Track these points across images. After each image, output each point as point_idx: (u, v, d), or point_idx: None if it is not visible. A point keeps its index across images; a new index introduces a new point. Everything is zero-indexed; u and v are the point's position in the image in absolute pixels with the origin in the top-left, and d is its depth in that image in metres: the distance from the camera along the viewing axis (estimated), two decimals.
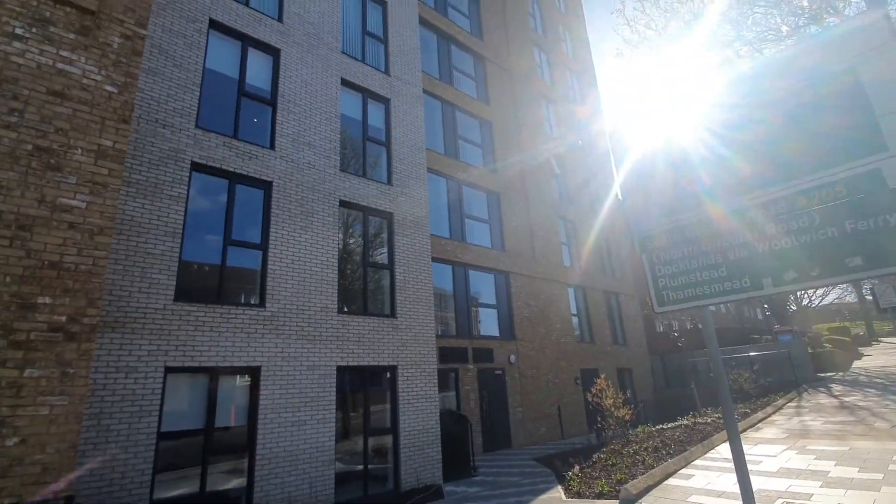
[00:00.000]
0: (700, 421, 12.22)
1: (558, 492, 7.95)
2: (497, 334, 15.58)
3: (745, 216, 4.20)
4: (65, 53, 4.55)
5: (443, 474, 9.42)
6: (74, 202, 4.26)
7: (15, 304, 3.78)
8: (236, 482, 7.20)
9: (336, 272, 9.04)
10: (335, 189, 9.58)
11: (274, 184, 8.68)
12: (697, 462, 8.26)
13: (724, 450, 8.89)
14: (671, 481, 7.20)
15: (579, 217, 21.07)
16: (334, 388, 8.37)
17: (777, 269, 3.93)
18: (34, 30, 4.45)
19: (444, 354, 13.21)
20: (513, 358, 15.31)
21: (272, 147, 8.92)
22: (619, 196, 5.31)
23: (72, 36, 4.64)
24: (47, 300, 3.92)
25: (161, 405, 6.62)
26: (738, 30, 11.18)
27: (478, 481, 9.57)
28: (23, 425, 3.63)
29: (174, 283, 7.10)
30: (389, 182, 10.79)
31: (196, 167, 7.89)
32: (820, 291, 32.60)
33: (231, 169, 8.22)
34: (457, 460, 10.04)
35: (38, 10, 4.53)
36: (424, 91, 15.34)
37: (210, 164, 8.00)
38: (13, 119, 4.14)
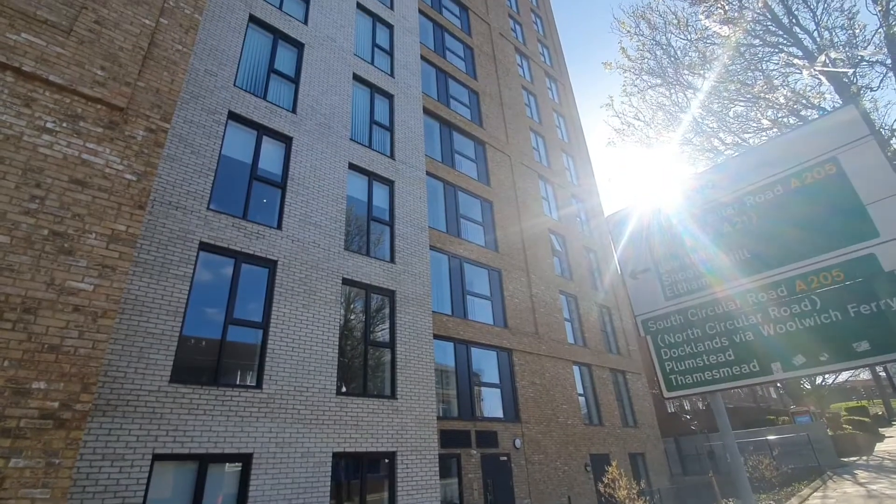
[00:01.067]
0: None
1: None
2: (501, 415, 14.93)
3: (748, 298, 4.23)
4: (91, 146, 4.85)
5: None
6: (82, 285, 4.31)
7: (9, 390, 3.70)
8: None
9: (336, 351, 8.88)
10: (339, 267, 9.70)
11: (279, 262, 8.81)
12: None
13: None
14: None
15: (581, 293, 21.06)
16: (329, 477, 7.88)
17: (786, 353, 3.87)
18: (65, 124, 4.78)
19: (446, 438, 12.57)
20: (518, 442, 14.54)
21: (279, 227, 9.17)
22: (620, 273, 5.36)
23: (99, 130, 4.97)
24: (42, 385, 3.84)
25: (145, 496, 6.21)
26: (721, 122, 11.95)
27: None
28: None
29: (171, 363, 6.97)
30: (392, 260, 10.94)
31: (204, 247, 8.06)
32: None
33: (238, 248, 8.40)
34: None
35: (71, 107, 4.90)
36: (428, 173, 16.05)
37: (218, 244, 8.19)
38: (33, 206, 4.32)
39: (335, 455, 8.17)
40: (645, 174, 20.08)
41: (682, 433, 23.42)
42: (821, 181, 3.90)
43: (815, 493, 12.96)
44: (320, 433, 8.07)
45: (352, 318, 9.93)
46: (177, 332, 7.17)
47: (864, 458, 19.05)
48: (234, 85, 9.70)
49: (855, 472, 15.99)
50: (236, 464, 7.23)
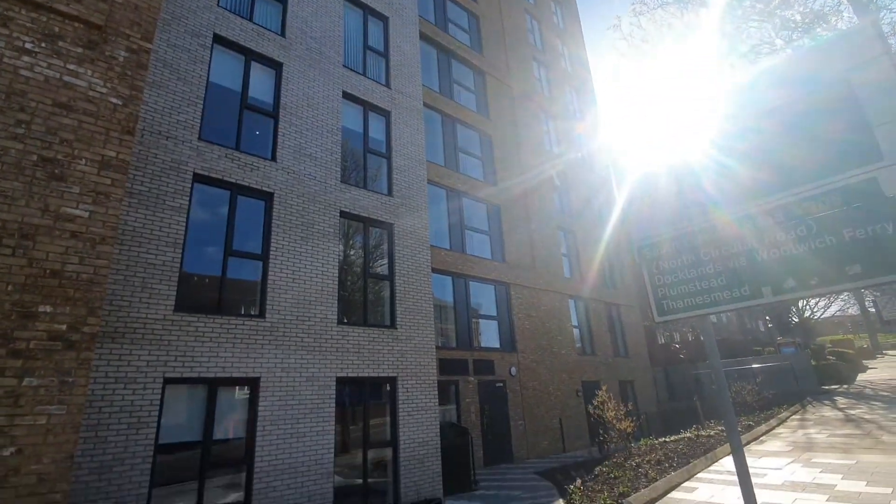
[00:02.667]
0: (703, 434, 12.09)
1: None
2: (498, 346, 15.51)
3: (746, 225, 4.24)
4: (72, 67, 4.63)
5: (443, 488, 9.30)
6: (77, 212, 4.29)
7: (16, 313, 3.79)
8: (234, 496, 7.11)
9: (336, 283, 9.04)
10: (336, 200, 9.63)
11: (275, 195, 8.73)
12: (701, 475, 8.16)
13: (728, 463, 8.79)
14: (674, 494, 7.10)
15: (580, 229, 21.11)
16: (334, 400, 8.32)
17: (776, 277, 3.95)
18: (43, 44, 4.53)
19: (445, 366, 13.14)
20: (513, 370, 15.22)
21: (274, 159, 9.00)
22: (621, 207, 5.36)
23: (79, 50, 4.72)
24: (48, 309, 3.93)
25: (159, 417, 6.58)
26: (732, 43, 11.35)
27: (478, 495, 9.45)
28: (20, 435, 3.61)
29: (174, 293, 7.11)
30: (390, 193, 10.85)
31: (198, 178, 7.95)
32: (822, 303, 32.48)
33: (232, 180, 8.28)
34: (457, 474, 9.92)
35: (48, 26, 4.62)
36: (425, 104, 15.50)
37: (212, 175, 8.06)
38: (20, 130, 4.20)
39: (338, 380, 8.56)
40: (650, 104, 19.41)
41: (671, 363, 24.49)
42: (831, 102, 3.78)
43: (794, 416, 13.77)
44: (324, 359, 8.40)
45: (351, 252, 10.01)
46: (177, 264, 7.25)
47: (846, 386, 20.05)
48: (219, 6, 9.10)
49: (835, 398, 16.90)
50: (245, 389, 7.60)
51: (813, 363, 21.12)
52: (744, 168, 4.23)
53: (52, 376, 3.83)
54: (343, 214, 9.76)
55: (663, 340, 26.85)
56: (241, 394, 7.63)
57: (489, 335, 15.57)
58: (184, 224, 7.49)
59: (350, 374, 8.74)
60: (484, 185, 17.14)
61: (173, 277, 7.16)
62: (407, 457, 8.99)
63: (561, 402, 16.49)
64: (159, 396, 6.61)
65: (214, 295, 7.69)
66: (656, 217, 4.88)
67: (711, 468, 8.63)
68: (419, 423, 9.42)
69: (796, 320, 31.70)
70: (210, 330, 7.29)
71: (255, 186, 8.54)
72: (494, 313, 15.89)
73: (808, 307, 31.61)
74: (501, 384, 14.84)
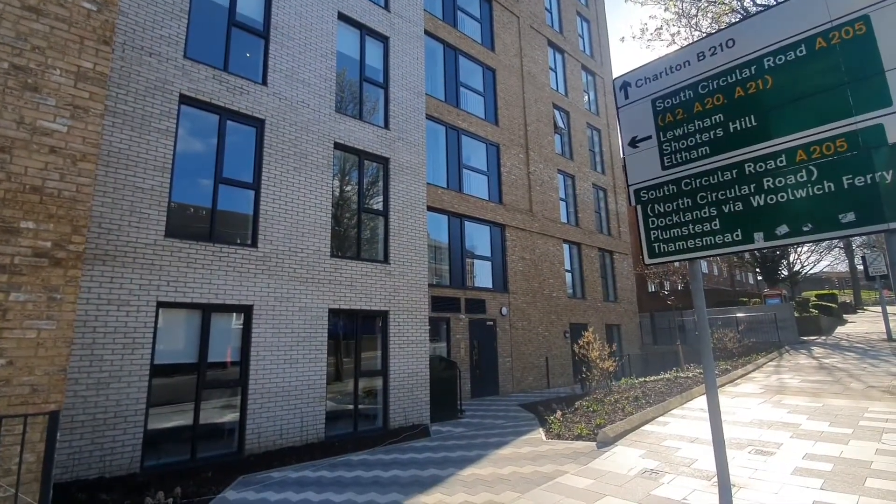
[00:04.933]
0: (681, 375, 12.60)
1: (539, 433, 8.29)
2: (490, 286, 15.75)
3: (745, 168, 4.14)
4: None
5: (430, 415, 9.78)
6: (55, 125, 4.11)
7: None
8: (230, 416, 7.45)
9: (329, 215, 8.96)
10: (330, 130, 9.32)
11: (266, 122, 8.42)
12: (675, 411, 8.57)
13: (701, 402, 9.21)
14: (648, 427, 7.49)
15: (580, 173, 20.80)
16: (326, 330, 8.52)
17: (771, 223, 3.91)
18: None
19: (437, 304, 13.40)
20: (504, 310, 15.56)
21: (264, 83, 8.59)
22: (620, 145, 5.18)
23: None
24: (30, 225, 3.87)
25: (154, 339, 6.72)
26: None
27: (464, 423, 9.96)
28: (9, 347, 3.67)
29: (164, 218, 7.03)
30: (386, 126, 10.50)
31: (184, 100, 7.61)
32: (812, 258, 32.87)
33: (221, 104, 7.95)
34: (444, 403, 10.40)
35: None
36: (426, 32, 14.67)
37: (199, 97, 7.72)
38: None
39: (331, 311, 8.72)
40: (661, 36, 18.50)
41: (658, 309, 25.10)
42: (847, 42, 3.57)
43: (770, 363, 14.32)
44: (316, 290, 8.50)
45: (346, 185, 9.84)
46: (167, 189, 7.11)
47: (824, 338, 20.71)
48: None
49: (812, 348, 17.51)
50: (238, 315, 7.73)
51: (796, 315, 21.70)
52: (750, 109, 4.06)
53: (39, 292, 3.84)
54: (337, 146, 9.50)
55: (653, 289, 27.35)
56: (235, 319, 7.78)
57: (482, 275, 15.75)
58: (171, 148, 7.27)
59: (343, 307, 8.89)
60: (484, 123, 16.63)
61: (163, 203, 7.04)
62: (396, 386, 9.36)
63: (548, 342, 17.03)
64: (153, 319, 6.72)
65: (206, 222, 7.62)
66: (654, 160, 4.76)
67: (685, 405, 9.06)
68: (409, 355, 9.72)
69: (786, 273, 32.18)
70: (202, 257, 7.29)
71: (245, 112, 8.22)
72: (489, 254, 15.99)
73: (798, 261, 32.00)
74: (492, 323, 15.23)
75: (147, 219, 6.85)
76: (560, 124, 20.24)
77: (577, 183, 20.53)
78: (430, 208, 13.33)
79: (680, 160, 4.62)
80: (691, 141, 4.56)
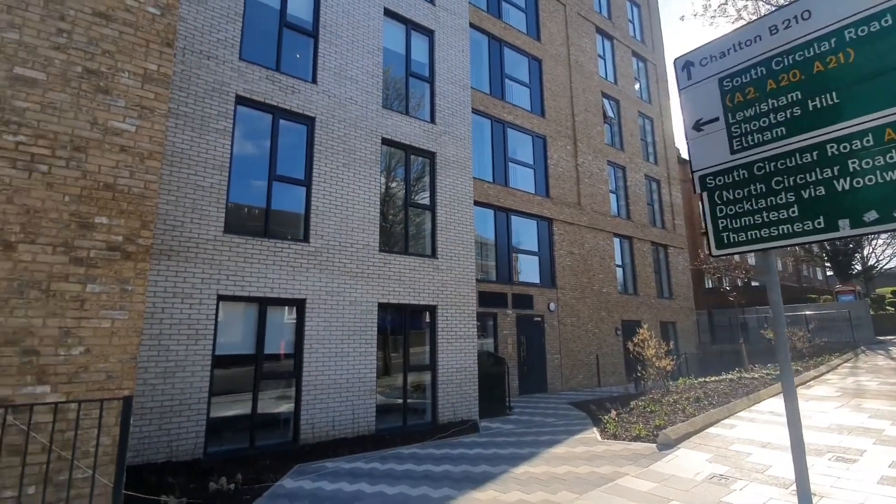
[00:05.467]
0: (746, 376, 11.85)
1: (593, 433, 8.01)
2: (537, 281, 15.44)
3: (827, 149, 3.75)
4: None
5: (479, 411, 9.69)
6: (124, 125, 4.32)
7: (74, 223, 3.95)
8: (285, 406, 7.67)
9: (377, 210, 9.03)
10: (377, 126, 9.39)
11: (317, 119, 8.58)
12: (742, 414, 8.05)
13: (771, 404, 8.61)
14: (712, 430, 7.07)
15: (631, 164, 19.99)
16: (375, 324, 8.60)
17: (857, 209, 3.52)
18: None
19: (484, 299, 13.27)
20: (552, 306, 15.21)
21: (314, 81, 8.75)
22: (683, 134, 4.86)
23: None
24: (104, 220, 4.08)
25: (215, 331, 7.01)
26: None
27: (512, 419, 9.80)
28: (87, 336, 3.89)
29: (223, 215, 7.30)
30: (432, 120, 10.46)
31: (240, 100, 7.87)
32: (889, 251, 30.11)
33: (274, 103, 8.16)
34: (493, 399, 10.27)
35: None
36: (471, 25, 14.51)
37: (254, 97, 7.96)
38: (62, 40, 4.16)
39: (380, 305, 8.79)
40: (726, 12, 17.43)
41: (716, 306, 23.78)
42: None
43: (845, 364, 13.22)
44: (366, 285, 8.60)
45: (392, 180, 9.89)
46: (225, 186, 7.39)
47: None
48: None
49: (890, 348, 16.04)
50: (292, 309, 7.93)
51: (871, 313, 19.94)
52: (829, 85, 3.67)
53: (112, 284, 4.04)
54: (385, 141, 9.55)
55: (711, 285, 25.96)
56: (289, 312, 7.99)
57: (529, 270, 15.47)
58: (229, 147, 7.54)
59: (391, 301, 8.94)
60: (530, 115, 16.29)
61: (221, 200, 7.32)
62: (445, 381, 9.33)
63: (598, 339, 16.51)
64: (214, 312, 7.01)
65: (261, 218, 7.87)
66: (722, 144, 4.42)
67: (753, 408, 8.49)
68: (457, 350, 9.66)
69: (859, 268, 29.71)
70: (258, 252, 7.52)
71: (296, 110, 8.41)
72: (535, 249, 15.67)
73: (872, 255, 29.45)
74: (539, 318, 14.93)
75: (207, 216, 7.14)
76: (609, 114, 19.53)
77: (629, 174, 19.75)
78: (475, 203, 13.20)
79: (752, 142, 4.26)
80: (764, 121, 4.19)
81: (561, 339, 15.27)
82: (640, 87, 22.11)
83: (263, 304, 7.56)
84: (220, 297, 7.14)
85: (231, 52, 7.83)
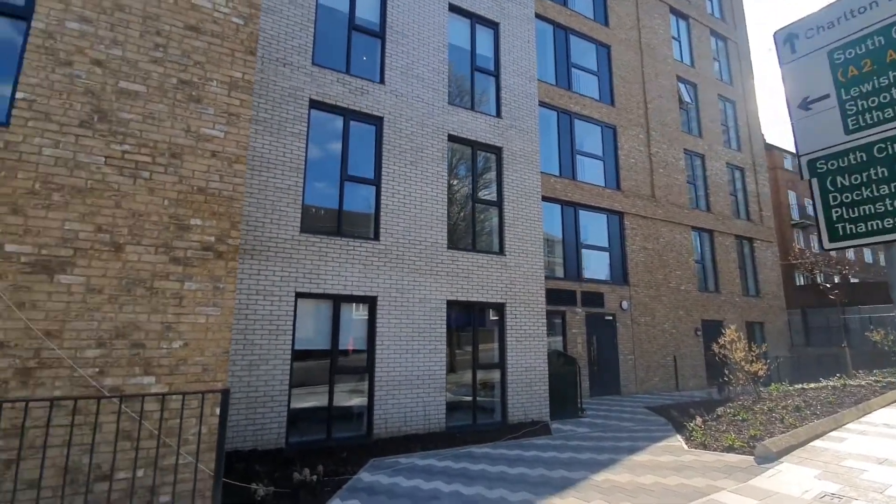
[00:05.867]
0: (851, 383, 10.62)
1: (678, 441, 7.49)
2: (608, 279, 14.78)
3: None
4: None
5: (549, 412, 9.41)
6: (214, 132, 4.55)
7: (173, 225, 4.21)
8: (358, 400, 7.86)
9: (445, 207, 9.01)
10: (444, 123, 9.35)
11: (384, 119, 8.69)
12: (850, 426, 7.20)
13: (884, 415, 7.63)
14: (818, 443, 6.35)
15: (710, 152, 18.59)
16: (445, 321, 8.58)
17: None
18: None
19: (551, 297, 12.87)
20: (625, 304, 14.49)
21: (382, 81, 8.87)
22: (788, 112, 4.37)
23: None
24: (198, 222, 4.32)
25: (294, 326, 7.30)
26: None
27: (585, 422, 9.42)
28: (185, 330, 4.14)
29: (299, 215, 7.59)
30: (498, 115, 10.27)
31: (313, 104, 8.14)
32: None
33: (345, 105, 8.36)
34: (564, 400, 9.93)
35: None
36: (535, 14, 14.10)
37: (326, 100, 8.20)
38: (159, 54, 4.44)
39: (449, 303, 8.77)
40: None
41: (811, 305, 21.58)
42: None
43: None
44: (434, 282, 8.60)
45: (459, 176, 9.84)
46: (301, 188, 7.68)
47: None
48: None
49: None
50: (364, 306, 8.10)
51: None
52: None
53: (206, 282, 4.28)
54: (451, 138, 9.50)
55: (803, 282, 23.63)
56: (361, 311, 8.17)
57: (599, 267, 14.84)
58: (303, 150, 7.82)
59: (460, 298, 8.89)
60: (599, 105, 15.59)
61: (298, 200, 7.61)
62: (514, 380, 9.14)
63: (676, 340, 15.52)
64: (292, 308, 7.30)
65: (334, 218, 8.10)
66: (834, 123, 3.89)
67: (863, 419, 7.58)
68: (527, 348, 9.44)
69: None
70: (332, 251, 7.75)
71: (365, 111, 8.56)
72: (606, 244, 15.00)
73: None
74: (611, 317, 14.28)
75: (285, 216, 7.45)
76: (686, 99, 18.27)
77: (708, 163, 18.38)
78: (543, 198, 12.84)
79: (871, 121, 3.71)
80: (885, 97, 3.64)
81: (634, 340, 14.52)
82: (720, 68, 20.49)
83: (337, 302, 7.78)
84: (298, 295, 7.43)
85: (304, 58, 8.11)
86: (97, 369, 3.77)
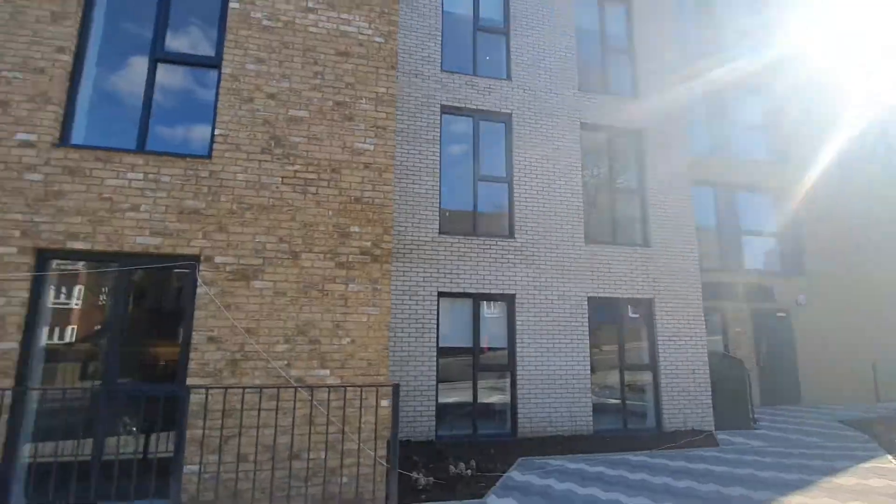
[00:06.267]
0: None
1: (891, 462, 6.11)
2: (778, 269, 12.71)
3: None
4: (344, 16, 5.17)
5: (714, 422, 8.39)
6: (365, 145, 4.93)
7: (336, 233, 4.66)
8: (500, 398, 7.89)
9: (581, 200, 8.60)
10: (575, 112, 8.94)
11: (513, 115, 8.61)
12: None
13: None
14: None
15: None
16: (586, 319, 8.19)
17: None
18: (321, 1, 5.16)
19: (708, 291, 11.47)
20: (802, 298, 12.32)
21: (509, 77, 8.80)
22: None
23: None
24: (356, 229, 4.72)
25: (437, 324, 7.61)
26: None
27: (759, 435, 8.19)
28: (351, 328, 4.54)
29: (437, 217, 7.89)
30: (634, 94, 9.50)
31: (444, 109, 8.40)
32: None
33: (474, 106, 8.48)
34: (731, 408, 8.76)
35: None
36: None
37: (455, 104, 8.41)
38: (317, 81, 4.96)
39: (590, 299, 8.34)
40: None
41: None
42: None
43: None
44: (574, 278, 8.26)
45: (595, 165, 9.32)
46: (437, 191, 7.98)
47: None
48: None
49: None
50: (503, 302, 8.11)
51: None
52: None
53: (366, 283, 4.64)
54: (584, 126, 9.04)
55: None
56: (498, 309, 8.19)
57: (764, 256, 12.84)
58: (438, 154, 8.12)
59: (601, 294, 8.41)
60: (753, 65, 13.49)
61: (435, 204, 7.92)
62: (669, 383, 8.35)
63: (874, 341, 12.72)
64: (435, 307, 7.62)
65: (469, 218, 8.26)
66: None
67: None
68: (681, 349, 8.55)
69: None
70: (469, 250, 7.91)
71: (493, 109, 8.59)
72: (774, 229, 12.93)
73: None
74: (784, 314, 12.26)
75: (425, 219, 7.81)
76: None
77: None
78: (692, 182, 11.54)
79: None
80: None
81: (816, 340, 12.25)
82: None
83: (477, 300, 7.91)
84: (440, 294, 7.72)
85: (434, 66, 8.41)
86: (285, 362, 4.33)
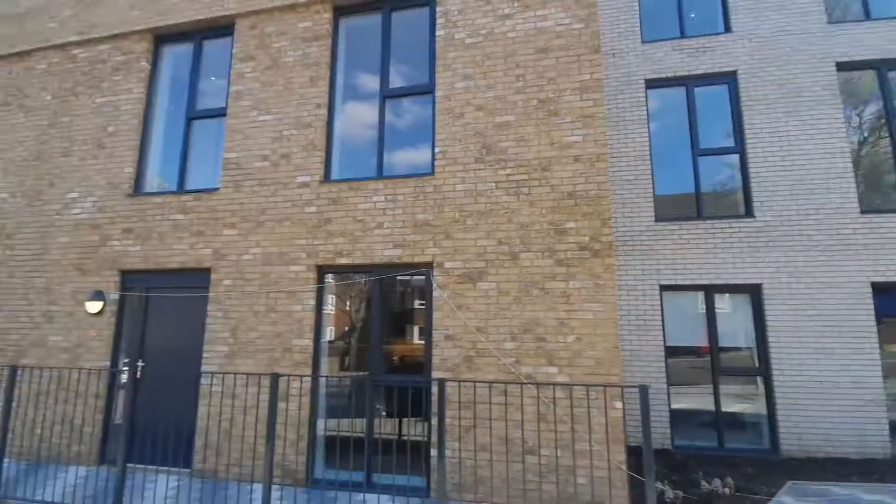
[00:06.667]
0: None
1: None
2: None
3: None
4: (539, 12, 5.14)
5: None
6: (573, 138, 4.78)
7: (552, 231, 4.62)
8: (751, 407, 6.71)
9: (848, 160, 6.74)
10: (826, 50, 7.08)
11: (738, 72, 7.28)
12: None
13: None
14: None
15: None
16: (871, 311, 6.35)
17: None
18: (515, 3, 5.23)
19: None
20: None
21: (728, 30, 7.50)
22: None
23: None
24: (572, 224, 4.59)
25: (662, 321, 6.90)
26: None
27: None
28: (576, 326, 4.42)
29: (651, 204, 7.19)
30: None
31: (649, 84, 7.62)
32: None
33: (685, 73, 7.48)
34: None
35: None
36: None
37: (661, 75, 7.55)
38: (519, 84, 5.03)
39: (874, 286, 6.45)
40: None
41: None
42: None
43: None
44: (846, 260, 6.51)
45: (862, 112, 7.22)
46: (649, 175, 7.28)
47: None
48: None
49: None
50: (745, 294, 6.89)
51: None
52: None
53: (587, 279, 4.48)
54: (841, 67, 7.09)
55: None
56: (742, 299, 6.98)
57: None
58: (646, 135, 7.41)
59: (891, 279, 6.42)
60: None
61: (648, 189, 7.24)
62: None
63: None
64: (658, 302, 6.93)
65: (690, 200, 7.29)
66: None
67: None
68: None
69: None
70: (694, 236, 6.97)
71: (709, 72, 7.42)
72: None
73: None
74: None
75: (637, 207, 7.20)
76: None
77: None
78: None
79: None
80: None
81: None
82: None
83: (710, 292, 6.91)
84: (662, 288, 7.00)
85: (633, 40, 7.73)
86: (514, 359, 4.47)
